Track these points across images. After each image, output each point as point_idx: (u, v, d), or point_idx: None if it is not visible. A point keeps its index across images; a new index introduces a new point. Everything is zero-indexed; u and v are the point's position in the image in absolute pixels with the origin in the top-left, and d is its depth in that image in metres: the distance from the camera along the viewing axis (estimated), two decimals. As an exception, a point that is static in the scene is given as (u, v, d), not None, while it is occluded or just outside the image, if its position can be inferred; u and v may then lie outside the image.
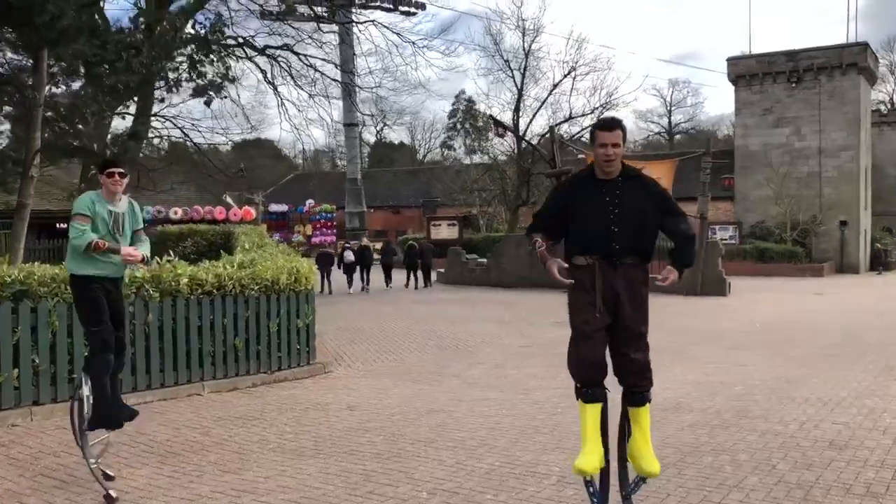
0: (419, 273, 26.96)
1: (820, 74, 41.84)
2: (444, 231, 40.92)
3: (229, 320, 8.55)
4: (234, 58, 20.34)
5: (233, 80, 20.11)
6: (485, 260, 28.55)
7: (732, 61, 44.35)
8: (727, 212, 43.86)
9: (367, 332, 13.97)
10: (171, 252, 9.33)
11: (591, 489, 4.32)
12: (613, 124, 4.23)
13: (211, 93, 16.71)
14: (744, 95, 43.70)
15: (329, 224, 51.90)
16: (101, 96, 12.30)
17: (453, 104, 73.64)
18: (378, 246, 31.92)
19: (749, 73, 43.23)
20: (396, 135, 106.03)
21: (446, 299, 21.71)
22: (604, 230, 4.17)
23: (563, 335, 13.51)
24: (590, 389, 4.23)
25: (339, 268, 26.16)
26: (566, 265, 4.28)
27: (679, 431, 6.64)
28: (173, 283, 8.04)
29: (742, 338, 13.40)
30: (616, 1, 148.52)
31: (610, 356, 4.28)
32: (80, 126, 10.59)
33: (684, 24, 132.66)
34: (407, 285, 26.52)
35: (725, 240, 39.70)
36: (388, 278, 26.73)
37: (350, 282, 25.34)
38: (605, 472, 4.33)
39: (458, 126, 49.33)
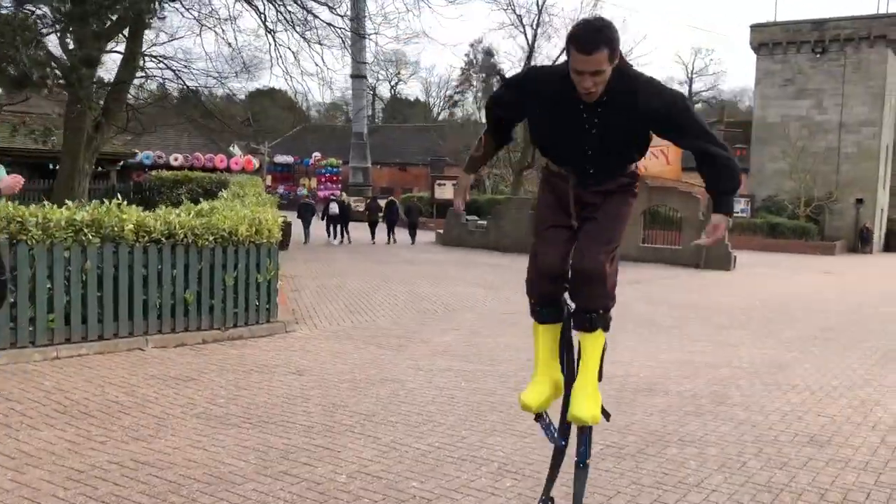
0: (395, 230, 28.08)
1: (846, 46, 40.49)
2: (449, 191, 40.10)
3: (179, 271, 7.98)
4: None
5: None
6: (484, 222, 27.90)
7: (756, 28, 42.91)
8: (740, 184, 42.85)
9: (348, 291, 13.42)
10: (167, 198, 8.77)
11: (543, 423, 3.56)
12: (593, 44, 2.94)
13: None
14: (765, 64, 42.39)
15: (334, 178, 51.22)
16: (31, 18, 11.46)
17: (467, 53, 72.21)
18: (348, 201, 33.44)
19: (772, 41, 41.88)
20: (412, 90, 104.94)
21: (439, 260, 21.13)
22: (575, 157, 3.29)
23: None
24: (541, 307, 3.43)
25: (322, 219, 27.03)
26: (466, 198, 3.74)
27: (647, 417, 6.05)
28: (116, 229, 7.45)
29: (738, 315, 12.77)
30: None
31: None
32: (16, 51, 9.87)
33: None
34: (388, 242, 27.18)
35: (737, 213, 38.76)
36: (373, 234, 27.68)
37: (331, 233, 26.42)
38: (565, 406, 3.48)
39: (472, 79, 48.11)
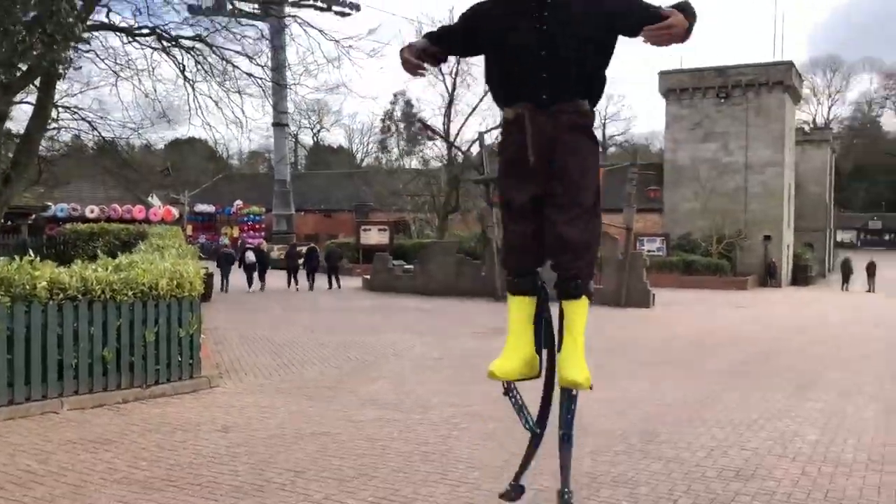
0: (315, 275, 28.16)
1: (748, 91, 42.67)
2: (375, 236, 40.11)
3: (97, 329, 7.69)
4: (150, 49, 19.31)
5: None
6: (411, 266, 27.92)
7: (664, 75, 44.87)
8: (656, 224, 44.26)
9: (273, 342, 13.16)
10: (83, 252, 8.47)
11: (513, 399, 3.47)
12: None
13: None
14: (674, 109, 44.26)
15: (257, 226, 50.53)
16: None
17: (391, 102, 73.00)
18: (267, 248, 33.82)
19: (680, 87, 43.82)
20: (335, 138, 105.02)
21: (366, 307, 20.98)
22: (529, 64, 3.15)
23: (479, 347, 12.98)
24: (516, 277, 3.36)
25: (240, 267, 27.10)
26: (429, 51, 3.25)
27: (578, 459, 6.09)
28: (28, 287, 7.15)
29: (660, 351, 13.08)
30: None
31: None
32: None
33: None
34: (310, 288, 27.27)
35: (653, 251, 39.99)
36: (291, 280, 27.70)
37: (249, 281, 26.41)
38: (546, 391, 3.46)
39: (393, 128, 48.71)
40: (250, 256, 27.12)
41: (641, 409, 8.10)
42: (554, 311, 3.35)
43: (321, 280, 28.38)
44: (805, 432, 7.19)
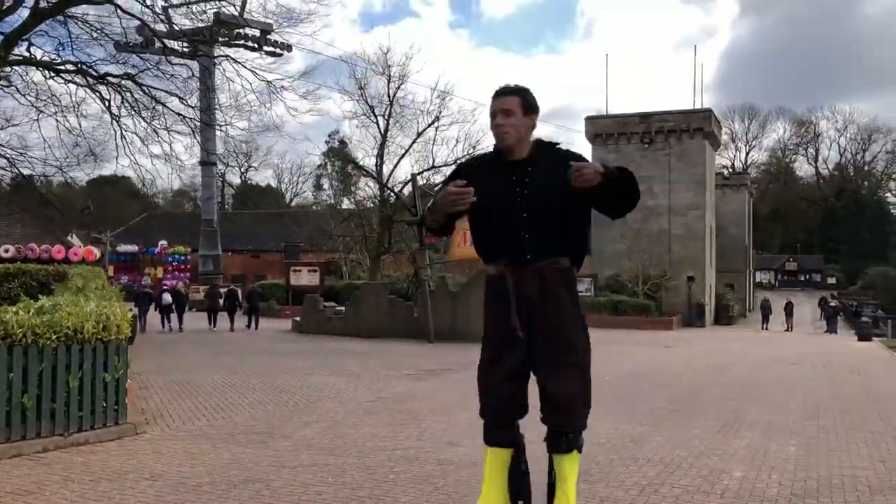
0: (235, 316, 29.20)
1: (670, 137, 44.38)
2: (305, 277, 39.72)
3: (17, 374, 7.37)
4: (74, 84, 18.91)
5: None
6: (342, 308, 27.71)
7: (590, 120, 46.28)
8: (584, 265, 45.16)
9: (201, 386, 12.83)
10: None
11: None
12: (506, 90, 3.42)
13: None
14: (600, 153, 45.59)
15: (182, 267, 49.42)
16: None
17: (327, 142, 72.95)
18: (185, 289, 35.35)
19: (605, 132, 45.26)
20: (263, 177, 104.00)
21: (296, 349, 20.68)
22: (511, 225, 3.39)
23: (414, 389, 12.98)
24: (493, 429, 3.47)
25: (157, 309, 27.42)
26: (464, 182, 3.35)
27: (515, 500, 6.12)
28: (-58, 331, 6.83)
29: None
30: (484, 56, 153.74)
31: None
32: None
33: (554, 81, 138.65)
34: (232, 329, 28.01)
35: (582, 292, 40.74)
36: (211, 321, 28.68)
37: (163, 322, 26.94)
38: None
39: (329, 168, 48.66)
40: (167, 298, 27.75)
41: (575, 448, 8.18)
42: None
43: (241, 321, 28.57)
44: (732, 469, 7.39)
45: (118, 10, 17.69)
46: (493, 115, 3.39)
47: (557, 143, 3.64)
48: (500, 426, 3.48)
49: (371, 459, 7.61)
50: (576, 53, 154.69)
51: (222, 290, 31.30)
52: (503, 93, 3.42)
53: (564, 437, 3.42)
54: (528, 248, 3.36)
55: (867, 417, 10.92)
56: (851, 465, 7.74)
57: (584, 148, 47.30)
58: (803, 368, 18.89)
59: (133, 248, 53.05)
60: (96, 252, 38.35)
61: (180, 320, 27.54)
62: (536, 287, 3.34)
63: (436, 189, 3.59)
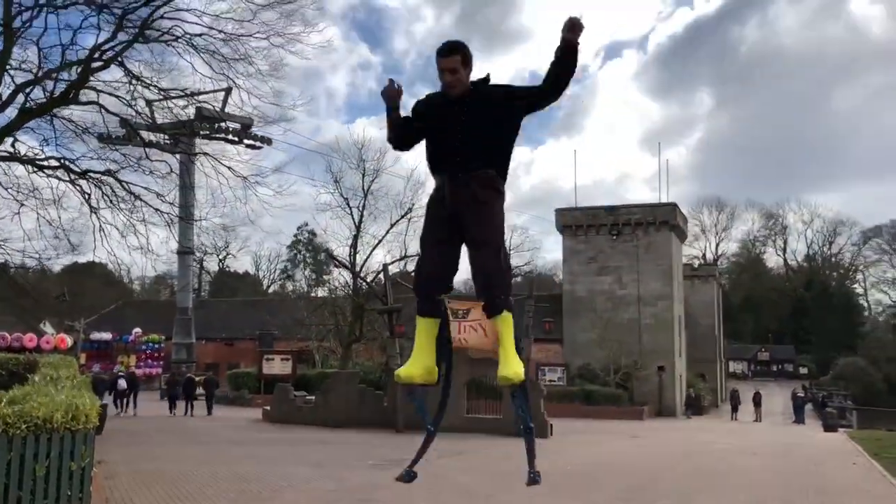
0: (194, 402, 30.69)
1: (637, 229, 45.68)
2: (278, 366, 39.70)
3: (-14, 463, 7.70)
4: (56, 179, 19.57)
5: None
6: (313, 397, 27.83)
7: (560, 212, 47.63)
8: (556, 354, 45.61)
9: (167, 475, 13.01)
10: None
11: (417, 401, 4.45)
12: (446, 48, 4.16)
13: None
14: (570, 244, 46.76)
15: (156, 355, 49.19)
16: None
17: (296, 234, 73.73)
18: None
19: (575, 223, 46.51)
20: (241, 264, 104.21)
21: (265, 439, 20.80)
22: (450, 147, 4.17)
23: (377, 479, 13.28)
24: (425, 301, 4.20)
25: (110, 394, 28.82)
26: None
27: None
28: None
29: (550, 481, 13.56)
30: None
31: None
32: None
33: (531, 171, 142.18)
34: (186, 413, 29.75)
35: (554, 381, 41.10)
36: (171, 406, 30.34)
37: (117, 405, 28.65)
38: (443, 396, 4.41)
39: (299, 258, 49.42)
40: (122, 384, 29.90)
41: (522, 535, 8.57)
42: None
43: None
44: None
45: (103, 110, 18.59)
46: (442, 71, 4.14)
47: (487, 80, 4.31)
48: (428, 297, 4.22)
49: (325, 546, 7.96)
50: (555, 145, 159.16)
51: (180, 379, 33.33)
52: (447, 52, 4.15)
53: (496, 299, 4.06)
54: (462, 163, 4.14)
55: (810, 506, 11.38)
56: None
57: (556, 238, 48.54)
58: (763, 459, 19.30)
59: (106, 335, 52.68)
60: (69, 340, 38.31)
61: (134, 404, 29.58)
62: (469, 193, 4.12)
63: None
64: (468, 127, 4.16)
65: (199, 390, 32.67)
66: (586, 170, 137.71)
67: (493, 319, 4.18)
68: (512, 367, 4.01)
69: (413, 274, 4.42)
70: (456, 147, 4.18)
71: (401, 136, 4.46)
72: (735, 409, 45.14)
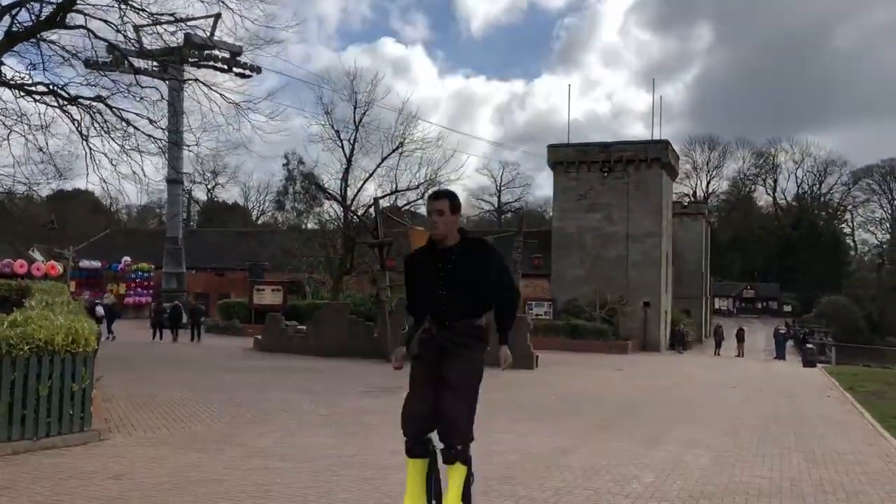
0: (178, 330, 32.08)
1: (629, 166, 45.77)
2: (268, 296, 40.19)
3: (-9, 382, 7.98)
4: (45, 105, 19.39)
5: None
6: (304, 327, 28.27)
7: (552, 148, 47.55)
8: (544, 289, 46.20)
9: (161, 400, 13.39)
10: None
11: None
12: (439, 194, 4.67)
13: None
14: (561, 181, 46.84)
15: (145, 283, 49.51)
16: None
17: (285, 164, 73.43)
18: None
19: (566, 160, 46.51)
20: (230, 195, 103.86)
21: (257, 367, 21.24)
22: (434, 300, 4.57)
23: (368, 405, 13.71)
24: (410, 444, 4.54)
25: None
26: (403, 353, 4.85)
27: (443, 498, 6.88)
28: (-77, 340, 7.43)
29: (534, 410, 14.10)
30: (456, 79, 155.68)
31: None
32: None
33: (525, 105, 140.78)
34: (175, 341, 30.84)
35: (541, 315, 41.77)
36: (154, 334, 31.71)
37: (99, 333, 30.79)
38: None
39: (290, 189, 49.44)
40: (99, 311, 30.79)
41: (506, 457, 8.99)
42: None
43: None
44: (643, 476, 8.24)
45: (91, 35, 18.32)
46: (429, 213, 4.61)
47: (473, 235, 4.85)
48: (417, 440, 4.56)
49: (320, 464, 8.33)
50: (551, 79, 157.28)
51: (167, 306, 34.42)
52: (437, 196, 4.65)
53: (447, 450, 4.44)
54: (446, 316, 4.57)
55: (782, 435, 11.88)
56: (751, 474, 8.64)
57: (548, 174, 48.55)
58: (741, 391, 19.94)
59: (96, 264, 52.94)
60: (59, 267, 38.47)
61: (110, 331, 30.69)
62: (450, 338, 4.55)
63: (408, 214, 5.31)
64: (452, 278, 4.55)
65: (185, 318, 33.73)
66: (581, 105, 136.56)
67: (448, 468, 4.48)
68: None
69: (401, 416, 4.68)
70: (441, 298, 4.56)
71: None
72: (718, 344, 46.15)
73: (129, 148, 19.66)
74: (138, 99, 19.62)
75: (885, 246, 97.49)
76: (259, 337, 29.13)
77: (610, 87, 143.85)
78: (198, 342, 31.23)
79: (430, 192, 5.17)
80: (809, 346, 38.62)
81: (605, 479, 7.97)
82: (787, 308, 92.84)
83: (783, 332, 47.61)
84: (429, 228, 4.65)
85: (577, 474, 8.18)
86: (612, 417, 13.30)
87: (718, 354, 44.77)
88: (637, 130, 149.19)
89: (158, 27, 21.06)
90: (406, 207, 37.71)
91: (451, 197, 4.64)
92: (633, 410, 14.49)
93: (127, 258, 52.47)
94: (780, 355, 43.08)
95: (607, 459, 9.12)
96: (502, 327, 4.75)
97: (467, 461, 4.46)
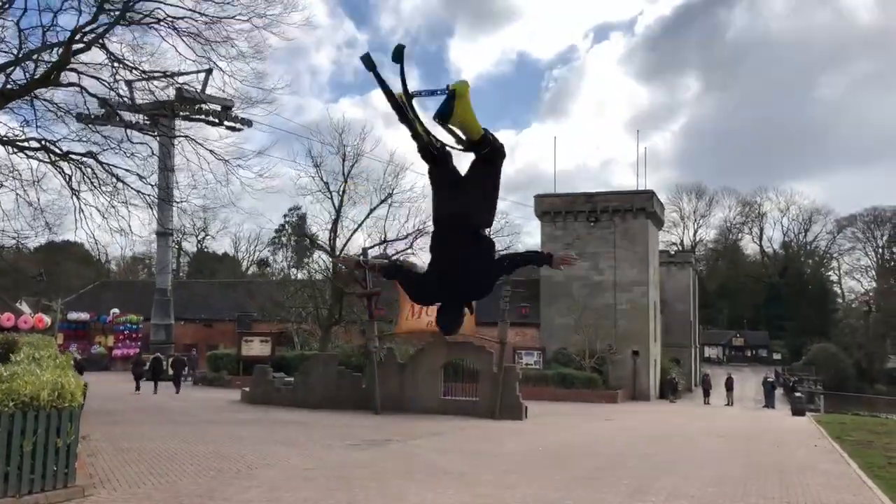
0: (158, 382, 31.84)
1: (615, 216, 46.22)
2: (257, 347, 40.01)
3: (-25, 439, 8.00)
4: (37, 160, 19.64)
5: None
6: (292, 379, 28.16)
7: (539, 198, 48.06)
8: (532, 338, 46.21)
9: (147, 453, 13.32)
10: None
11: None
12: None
13: None
14: (549, 230, 47.24)
15: (134, 335, 49.25)
16: None
17: (285, 216, 74.01)
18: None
19: (553, 209, 46.98)
20: (219, 245, 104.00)
21: (243, 419, 21.12)
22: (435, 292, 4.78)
23: (352, 458, 13.62)
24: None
25: None
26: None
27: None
28: None
29: (521, 461, 14.10)
30: (440, 135, 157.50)
31: None
32: None
33: (515, 155, 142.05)
34: (154, 392, 30.70)
35: (531, 364, 41.72)
36: (137, 386, 31.69)
37: None
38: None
39: (285, 241, 49.65)
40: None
41: (490, 510, 9.02)
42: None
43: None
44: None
45: (84, 92, 18.67)
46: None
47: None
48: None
49: (302, 519, 8.34)
50: (540, 129, 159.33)
51: (146, 357, 34.76)
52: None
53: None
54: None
55: (767, 487, 11.91)
56: (734, 525, 8.70)
57: (536, 223, 48.99)
58: (728, 441, 19.94)
59: (84, 315, 52.66)
60: (46, 320, 38.24)
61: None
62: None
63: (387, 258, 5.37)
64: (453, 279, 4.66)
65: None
66: (571, 154, 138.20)
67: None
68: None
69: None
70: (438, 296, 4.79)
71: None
72: (707, 393, 46.07)
73: (118, 202, 19.86)
74: (129, 155, 19.91)
75: (871, 294, 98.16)
76: (247, 389, 28.94)
77: (599, 137, 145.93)
78: (176, 393, 31.14)
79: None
80: (798, 394, 38.62)
81: (588, 532, 8.02)
82: (777, 356, 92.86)
83: (772, 380, 47.60)
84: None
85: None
86: (598, 468, 13.31)
87: (708, 403, 44.66)
88: (626, 179, 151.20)
89: (150, 83, 21.47)
90: (395, 257, 37.92)
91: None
92: (621, 461, 14.49)
93: (115, 310, 52.22)
94: (770, 404, 43.02)
95: (591, 512, 9.17)
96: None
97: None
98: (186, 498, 9.41)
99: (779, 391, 50.22)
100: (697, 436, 21.34)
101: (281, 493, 10.03)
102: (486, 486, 10.96)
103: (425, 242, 37.81)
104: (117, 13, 18.94)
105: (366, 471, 12.06)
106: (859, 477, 13.29)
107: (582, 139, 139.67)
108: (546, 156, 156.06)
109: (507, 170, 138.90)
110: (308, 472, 12.06)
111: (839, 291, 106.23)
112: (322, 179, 36.17)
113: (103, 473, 10.95)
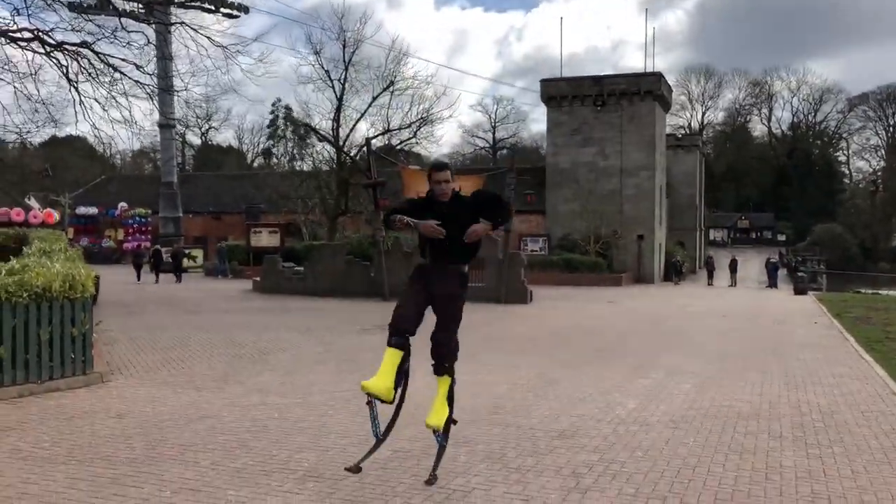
0: (159, 272, 34.30)
1: (622, 99, 45.40)
2: (265, 238, 40.38)
3: (-8, 328, 8.22)
4: (31, 52, 19.19)
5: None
6: (301, 268, 28.55)
7: (545, 83, 47.09)
8: (538, 224, 46.41)
9: (162, 342, 13.70)
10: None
11: (371, 410, 5.51)
12: (441, 166, 5.60)
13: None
14: (555, 115, 46.54)
15: (143, 229, 49.66)
16: None
17: (271, 112, 72.76)
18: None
19: (559, 94, 46.11)
20: (224, 137, 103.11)
21: (256, 308, 21.57)
22: (439, 243, 5.40)
23: (362, 342, 13.99)
24: (393, 336, 5.40)
25: None
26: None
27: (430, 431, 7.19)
28: (-75, 290, 7.64)
29: (527, 343, 14.45)
30: (448, 13, 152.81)
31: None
32: None
33: (523, 37, 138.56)
34: (156, 281, 33.08)
35: (536, 251, 42.09)
36: (138, 276, 33.81)
37: None
38: (395, 414, 5.77)
39: (280, 133, 49.08)
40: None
41: (496, 389, 9.31)
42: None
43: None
44: (627, 402, 8.58)
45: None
46: (437, 182, 5.47)
47: (461, 192, 5.69)
48: (399, 333, 5.41)
49: (314, 399, 8.65)
50: (549, 8, 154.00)
51: (146, 250, 37.88)
52: (441, 168, 5.57)
53: (435, 365, 5.57)
54: (446, 257, 5.52)
55: (766, 362, 12.22)
56: (732, 398, 8.98)
57: (543, 109, 48.17)
58: (730, 320, 20.32)
59: (93, 210, 53.01)
60: (56, 215, 38.56)
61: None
62: (445, 277, 5.54)
63: (397, 205, 5.96)
64: (451, 226, 5.31)
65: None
66: (580, 36, 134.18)
67: (438, 379, 5.60)
68: (438, 417, 5.53)
69: (392, 316, 5.45)
70: (442, 243, 5.39)
71: (400, 210, 5.60)
72: (710, 274, 46.62)
73: (118, 93, 19.55)
74: (124, 44, 19.42)
75: (879, 173, 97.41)
76: (257, 279, 29.42)
77: (609, 18, 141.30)
78: (179, 283, 33.25)
79: (432, 162, 5.98)
80: (801, 273, 39.01)
81: (590, 406, 8.30)
82: (782, 237, 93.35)
83: (774, 261, 48.02)
84: (439, 195, 5.48)
85: (564, 402, 8.51)
86: (601, 348, 13.64)
87: (711, 284, 45.26)
88: (637, 62, 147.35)
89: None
90: (399, 147, 37.65)
91: (451, 167, 5.65)
92: (623, 341, 14.84)
93: (123, 204, 52.50)
94: (773, 284, 43.58)
95: (594, 388, 9.45)
96: (493, 218, 5.43)
97: (452, 373, 5.63)
98: (202, 382, 9.74)
99: (782, 272, 50.74)
100: (700, 316, 21.73)
101: (294, 376, 10.35)
102: (492, 365, 11.27)
103: (428, 132, 37.45)
104: None
105: (375, 354, 12.36)
106: (856, 351, 13.61)
107: (592, 19, 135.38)
108: (555, 40, 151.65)
109: (516, 54, 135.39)
110: (319, 355, 12.41)
111: (847, 172, 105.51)
112: (322, 67, 35.44)
113: (120, 361, 11.30)
